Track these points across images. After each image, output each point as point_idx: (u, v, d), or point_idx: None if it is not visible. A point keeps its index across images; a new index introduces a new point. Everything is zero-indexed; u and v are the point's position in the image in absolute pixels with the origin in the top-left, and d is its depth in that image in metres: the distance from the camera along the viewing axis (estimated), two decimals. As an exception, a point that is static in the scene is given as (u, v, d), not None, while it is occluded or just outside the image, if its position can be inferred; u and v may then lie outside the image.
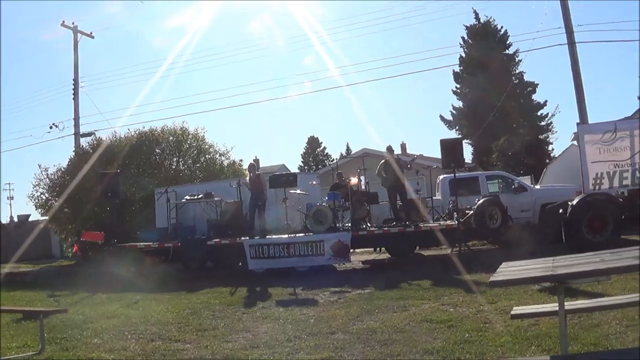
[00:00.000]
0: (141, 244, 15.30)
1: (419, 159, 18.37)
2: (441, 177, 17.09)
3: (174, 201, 16.44)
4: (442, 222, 13.97)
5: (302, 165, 66.41)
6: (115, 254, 14.85)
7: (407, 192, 14.55)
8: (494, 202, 13.18)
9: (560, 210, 12.63)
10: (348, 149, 66.01)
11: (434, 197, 16.10)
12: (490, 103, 31.07)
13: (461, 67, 36.52)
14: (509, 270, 4.44)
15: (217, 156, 24.62)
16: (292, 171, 35.72)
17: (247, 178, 14.85)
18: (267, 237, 13.97)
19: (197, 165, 23.69)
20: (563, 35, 18.09)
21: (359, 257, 16.42)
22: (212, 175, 22.66)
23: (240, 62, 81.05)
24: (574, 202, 12.26)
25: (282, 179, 14.49)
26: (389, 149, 14.55)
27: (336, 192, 14.48)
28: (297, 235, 13.92)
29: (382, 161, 14.61)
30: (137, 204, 20.55)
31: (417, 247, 15.46)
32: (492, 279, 4.13)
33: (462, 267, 11.00)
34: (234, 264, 14.37)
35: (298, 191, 14.82)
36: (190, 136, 23.99)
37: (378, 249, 15.85)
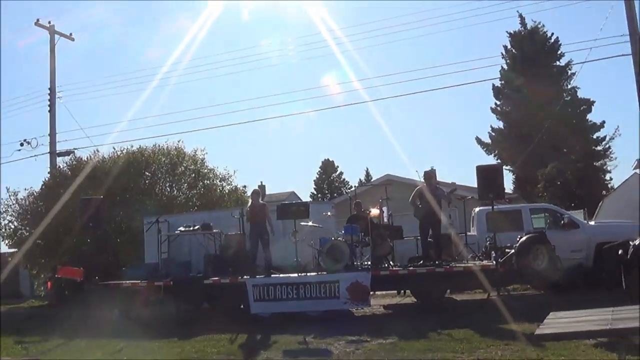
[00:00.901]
0: (127, 282, 15.27)
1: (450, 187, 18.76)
2: (477, 209, 17.15)
3: (166, 233, 16.49)
4: (477, 262, 13.87)
5: (314, 193, 66.57)
6: (96, 294, 14.80)
7: (441, 226, 14.66)
8: (540, 239, 13.07)
9: (620, 251, 12.24)
10: (368, 175, 66.17)
11: (468, 233, 16.02)
12: (536, 123, 30.75)
13: (502, 81, 36.29)
14: (558, 321, 4.30)
15: (218, 181, 24.64)
16: (303, 200, 35.95)
17: (249, 206, 14.84)
18: (273, 276, 14.01)
19: (194, 191, 23.69)
20: (627, 45, 17.42)
21: (380, 300, 16.32)
22: (211, 203, 22.66)
23: (245, 73, 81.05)
24: (637, 242, 11.93)
25: (292, 208, 14.50)
26: (429, 175, 14.47)
27: (354, 224, 14.46)
28: (309, 274, 13.93)
29: (418, 187, 14.63)
30: (123, 236, 20.50)
31: (449, 291, 15.39)
32: (538, 331, 4.04)
33: (501, 315, 10.92)
34: (234, 307, 14.30)
35: (310, 223, 14.79)
36: (186, 158, 24.04)
37: (402, 291, 15.82)
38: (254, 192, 15.19)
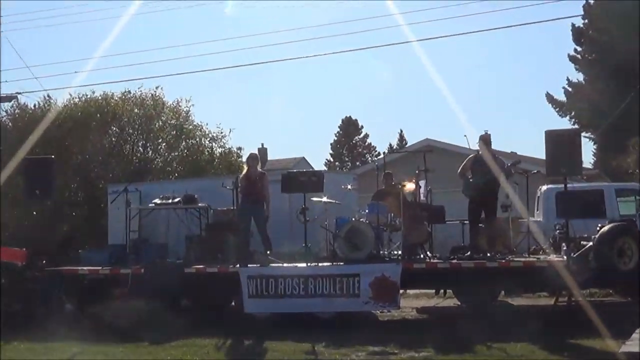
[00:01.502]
0: (84, 268, 15.35)
1: (508, 157, 18.45)
2: (544, 187, 17.23)
3: (136, 205, 16.74)
4: (543, 257, 13.91)
5: (330, 160, 66.86)
6: (43, 283, 14.86)
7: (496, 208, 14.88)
8: (628, 230, 13.04)
9: None
10: (402, 140, 66.15)
11: (531, 218, 15.98)
12: (630, 77, 30.33)
13: (586, 20, 35.77)
14: (650, 338, 4.23)
15: (206, 142, 24.97)
16: (316, 168, 35.29)
17: (243, 174, 14.89)
18: (275, 265, 14.20)
19: (175, 153, 24.11)
20: None
21: (412, 302, 16.56)
22: (197, 169, 22.97)
23: (248, 2, 77.74)
24: None
25: (301, 179, 14.57)
26: (484, 140, 14.48)
27: (382, 202, 14.66)
28: (320, 265, 14.14)
29: (471, 156, 14.78)
30: (81, 208, 20.97)
31: (503, 292, 15.49)
32: (624, 348, 4.01)
33: (573, 326, 10.97)
34: (223, 304, 14.86)
35: (324, 199, 14.90)
36: (166, 110, 24.25)
37: (442, 291, 15.81)
38: (251, 157, 15.21)
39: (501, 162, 14.45)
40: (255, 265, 14.43)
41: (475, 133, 16.87)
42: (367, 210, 14.83)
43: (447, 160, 14.48)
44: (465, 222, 15.02)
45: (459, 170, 14.79)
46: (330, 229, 14.74)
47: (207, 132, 25.17)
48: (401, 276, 13.38)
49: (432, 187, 16.24)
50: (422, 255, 14.49)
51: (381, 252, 14.45)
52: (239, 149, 25.76)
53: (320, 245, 15.43)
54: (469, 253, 14.42)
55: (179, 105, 24.47)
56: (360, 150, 68.51)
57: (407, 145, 46.17)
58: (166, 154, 23.89)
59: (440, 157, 19.29)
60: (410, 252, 14.31)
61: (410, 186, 15.00)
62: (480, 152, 14.53)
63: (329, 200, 15.07)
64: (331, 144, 69.14)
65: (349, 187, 16.16)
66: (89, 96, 23.82)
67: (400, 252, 14.45)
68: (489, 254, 13.99)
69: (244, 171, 15.07)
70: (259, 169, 15.26)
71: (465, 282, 14.02)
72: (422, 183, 15.62)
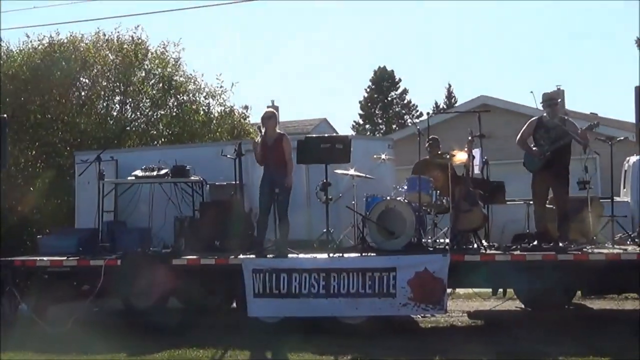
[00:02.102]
0: (44, 259, 15.38)
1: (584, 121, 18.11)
2: (633, 159, 17.37)
3: (111, 178, 16.87)
4: (631, 248, 14.02)
5: (359, 122, 67.31)
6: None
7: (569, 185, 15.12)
8: None
9: None
10: (450, 97, 67.09)
11: (616, 198, 16.07)
12: None
13: None
14: None
15: (201, 98, 25.29)
16: (341, 133, 35.75)
17: (259, 138, 14.99)
18: (288, 256, 14.24)
19: (162, 112, 24.36)
20: None
21: (463, 304, 17.02)
22: (190, 133, 23.35)
23: None
24: None
25: (321, 147, 14.57)
26: (552, 99, 14.61)
27: (425, 176, 14.68)
28: (346, 256, 14.04)
29: (534, 119, 14.79)
30: (40, 181, 20.99)
31: (579, 293, 15.81)
32: None
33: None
34: (221, 305, 15.28)
35: (351, 172, 15.18)
36: (150, 57, 24.50)
37: (501, 291, 15.70)
38: (266, 116, 14.99)
39: (573, 126, 14.44)
40: (264, 256, 14.56)
41: (544, 90, 16.86)
42: (405, 187, 14.79)
43: (508, 123, 14.41)
44: (531, 202, 15.08)
45: (518, 137, 14.85)
46: (359, 211, 14.88)
47: (202, 86, 25.38)
48: (449, 271, 13.36)
49: (489, 158, 16.38)
50: (475, 245, 14.58)
51: (423, 240, 14.61)
52: (245, 108, 26.09)
53: (346, 232, 15.47)
54: (535, 243, 14.33)
55: (166, 51, 24.60)
56: (397, 110, 68.42)
57: (457, 105, 46.16)
58: (150, 112, 24.01)
59: (500, 119, 19.55)
60: (460, 240, 14.54)
61: (461, 156, 14.82)
62: (546, 114, 14.66)
63: (357, 173, 15.26)
64: (360, 103, 69.23)
65: (383, 156, 16.28)
66: (52, 39, 23.79)
67: (447, 241, 14.69)
68: (561, 244, 13.96)
69: (261, 134, 14.90)
70: (277, 130, 15.04)
71: (531, 280, 14.04)
72: (476, 152, 15.64)
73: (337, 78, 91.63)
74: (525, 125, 14.84)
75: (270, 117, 14.99)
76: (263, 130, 14.96)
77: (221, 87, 25.61)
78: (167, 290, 15.16)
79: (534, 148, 14.53)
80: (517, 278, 14.21)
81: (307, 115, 42.98)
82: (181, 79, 25.01)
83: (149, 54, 24.57)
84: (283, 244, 14.66)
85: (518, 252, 14.03)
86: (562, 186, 14.46)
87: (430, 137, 16.11)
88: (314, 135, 17.10)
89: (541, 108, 14.93)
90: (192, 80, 25.38)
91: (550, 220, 14.54)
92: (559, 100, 14.80)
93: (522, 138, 14.76)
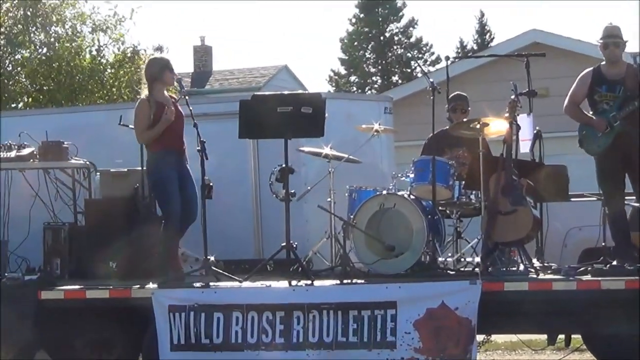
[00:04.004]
0: None
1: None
2: None
3: None
4: None
5: (341, 72, 67.22)
6: None
7: None
8: None
9: None
10: (483, 32, 66.32)
11: None
12: None
13: None
14: None
15: (88, 32, 27.06)
16: (310, 89, 36.81)
17: (148, 102, 14.14)
18: (223, 285, 13.53)
19: (25, 53, 25.69)
20: None
21: (503, 358, 16.75)
22: (68, 88, 24.47)
23: None
24: None
25: (278, 111, 13.69)
26: (612, 35, 13.40)
27: (442, 159, 13.87)
28: (317, 284, 13.18)
29: (587, 71, 13.46)
30: None
31: None
32: None
33: None
34: None
35: (326, 150, 14.11)
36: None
37: (561, 336, 15.03)
38: (154, 64, 14.59)
39: None
40: (186, 283, 13.76)
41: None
42: (412, 175, 13.78)
43: (574, 73, 14.00)
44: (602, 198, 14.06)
45: (566, 101, 13.69)
46: (338, 213, 13.96)
47: (87, 14, 26.83)
48: (480, 308, 12.24)
49: (544, 128, 15.10)
50: (522, 266, 13.46)
51: (440, 259, 13.48)
52: (158, 49, 27.15)
53: (318, 246, 14.35)
54: (615, 262, 13.23)
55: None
56: (399, 52, 66.19)
57: (493, 45, 48.17)
58: (5, 54, 25.22)
59: (562, 67, 18.93)
60: (498, 259, 13.30)
61: (499, 126, 14.11)
62: (605, 62, 13.58)
63: (335, 153, 14.19)
64: (342, 41, 67.14)
65: (377, 126, 14.96)
66: None
67: (477, 260, 13.52)
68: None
69: (146, 94, 14.39)
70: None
71: (609, 320, 12.89)
72: (523, 120, 14.58)
73: (305, 4, 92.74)
74: (576, 82, 13.67)
75: (163, 69, 14.58)
76: (145, 89, 14.65)
77: (116, 15, 26.73)
78: (31, 341, 14.28)
79: (592, 116, 13.61)
80: (588, 318, 13.14)
81: (256, 62, 44.31)
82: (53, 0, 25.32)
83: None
84: (212, 264, 14.02)
85: (589, 277, 12.80)
86: None
87: (453, 94, 15.31)
88: (266, 93, 16.95)
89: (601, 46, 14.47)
90: (72, 4, 25.95)
91: (634, 226, 13.72)
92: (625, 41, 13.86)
93: (573, 101, 13.66)
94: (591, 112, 13.44)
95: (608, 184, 13.59)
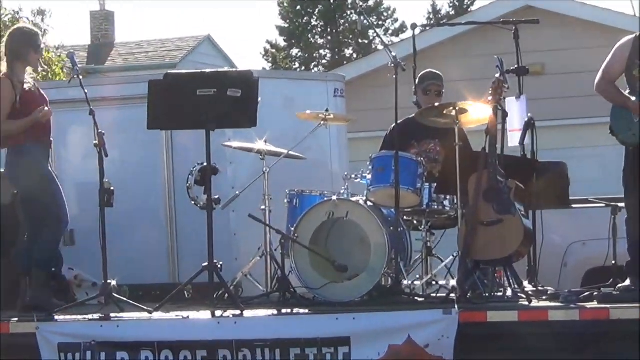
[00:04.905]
0: None
1: None
2: None
3: None
4: None
5: (279, 44, 66.35)
6: None
7: None
8: None
9: None
10: None
11: None
12: None
13: None
14: None
15: None
16: (239, 66, 35.20)
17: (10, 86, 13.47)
18: (128, 317, 12.95)
19: None
20: None
21: None
22: None
23: None
24: None
25: (198, 95, 13.22)
26: None
27: (407, 154, 13.54)
28: (249, 315, 12.64)
29: (626, 40, 12.81)
30: None
31: None
32: None
33: None
34: None
35: (259, 145, 13.74)
36: None
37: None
38: (20, 38, 14.19)
39: None
40: (81, 315, 13.00)
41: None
42: (369, 176, 13.23)
43: (576, 44, 13.57)
44: (621, 204, 13.44)
45: (598, 77, 12.81)
46: (275, 225, 13.56)
47: None
48: (457, 344, 11.83)
49: (538, 115, 14.53)
50: (509, 291, 13.03)
51: (404, 282, 12.98)
52: (40, 13, 26.78)
53: (250, 267, 13.94)
54: (628, 283, 12.76)
55: None
56: (353, 19, 63.63)
57: (473, 9, 48.24)
58: None
59: (559, 37, 18.52)
60: (479, 281, 12.90)
61: (480, 112, 13.63)
62: None
63: (271, 148, 13.72)
64: (280, 5, 65.36)
65: (325, 113, 14.55)
66: None
67: (453, 283, 12.95)
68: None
69: (6, 72, 13.78)
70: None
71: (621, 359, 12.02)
72: (511, 104, 14.43)
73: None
74: (611, 54, 12.82)
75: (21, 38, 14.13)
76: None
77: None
78: None
79: (632, 97, 12.74)
80: (593, 357, 12.57)
81: (170, 32, 44.12)
82: None
83: None
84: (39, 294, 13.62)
85: (595, 305, 12.09)
86: None
87: (422, 73, 14.72)
88: (182, 72, 16.14)
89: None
90: None
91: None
92: None
93: (607, 78, 12.77)
94: (628, 92, 12.73)
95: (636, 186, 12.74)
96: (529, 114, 14.29)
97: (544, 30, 15.81)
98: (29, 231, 14.01)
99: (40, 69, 14.19)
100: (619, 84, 13.40)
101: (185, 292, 13.88)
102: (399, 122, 13.99)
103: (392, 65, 14.23)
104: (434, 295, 13.53)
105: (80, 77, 14.15)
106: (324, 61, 55.12)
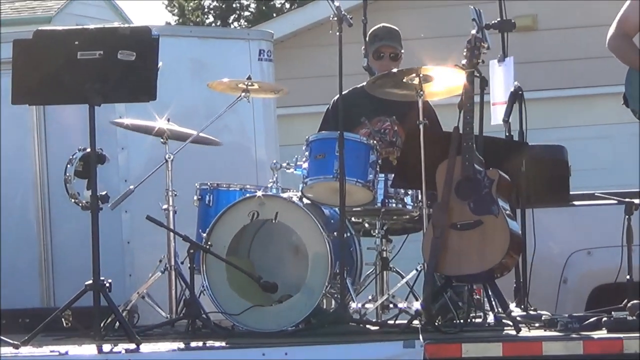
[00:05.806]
0: None
1: None
2: None
3: None
4: None
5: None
6: None
7: None
8: None
9: None
10: None
11: None
12: None
13: None
14: None
15: None
16: (134, 20, 34.52)
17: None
18: None
19: None
20: None
21: None
22: None
23: None
24: None
25: (79, 59, 12.52)
26: None
27: (355, 135, 13.05)
28: (147, 350, 12.26)
29: None
30: None
31: None
32: None
33: None
34: None
35: (160, 123, 12.99)
36: None
37: None
38: None
39: None
40: None
41: None
42: (304, 165, 12.54)
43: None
44: (635, 200, 12.69)
45: (612, 31, 12.20)
46: (182, 231, 12.75)
47: None
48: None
49: (530, 84, 15.11)
50: (490, 315, 12.45)
51: (353, 305, 12.26)
52: None
53: (148, 285, 13.22)
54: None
55: None
56: None
57: None
58: None
59: None
60: (449, 303, 12.35)
61: (450, 80, 13.19)
62: None
63: (175, 129, 12.86)
64: None
65: (247, 82, 13.74)
66: None
67: (417, 306, 12.29)
68: None
69: None
70: None
71: None
72: (494, 70, 14.54)
73: None
74: (630, 1, 12.30)
75: None
76: None
77: None
78: None
79: None
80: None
81: None
82: None
83: None
84: None
85: (603, 334, 11.43)
86: None
87: (374, 28, 14.21)
88: (57, 28, 14.61)
89: None
90: None
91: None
92: None
93: (623, 31, 12.27)
94: None
95: None
96: (516, 83, 13.87)
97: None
98: None
99: None
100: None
101: (63, 319, 12.99)
102: (344, 93, 13.34)
103: (335, 19, 13.72)
104: (391, 322, 12.84)
105: None
106: (246, 13, 53.42)
